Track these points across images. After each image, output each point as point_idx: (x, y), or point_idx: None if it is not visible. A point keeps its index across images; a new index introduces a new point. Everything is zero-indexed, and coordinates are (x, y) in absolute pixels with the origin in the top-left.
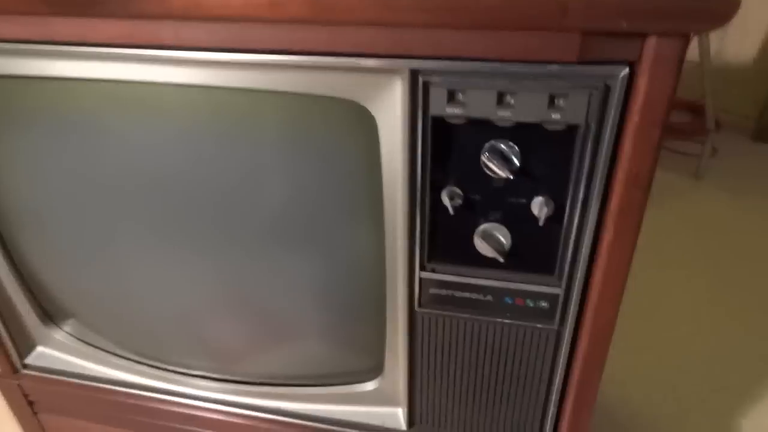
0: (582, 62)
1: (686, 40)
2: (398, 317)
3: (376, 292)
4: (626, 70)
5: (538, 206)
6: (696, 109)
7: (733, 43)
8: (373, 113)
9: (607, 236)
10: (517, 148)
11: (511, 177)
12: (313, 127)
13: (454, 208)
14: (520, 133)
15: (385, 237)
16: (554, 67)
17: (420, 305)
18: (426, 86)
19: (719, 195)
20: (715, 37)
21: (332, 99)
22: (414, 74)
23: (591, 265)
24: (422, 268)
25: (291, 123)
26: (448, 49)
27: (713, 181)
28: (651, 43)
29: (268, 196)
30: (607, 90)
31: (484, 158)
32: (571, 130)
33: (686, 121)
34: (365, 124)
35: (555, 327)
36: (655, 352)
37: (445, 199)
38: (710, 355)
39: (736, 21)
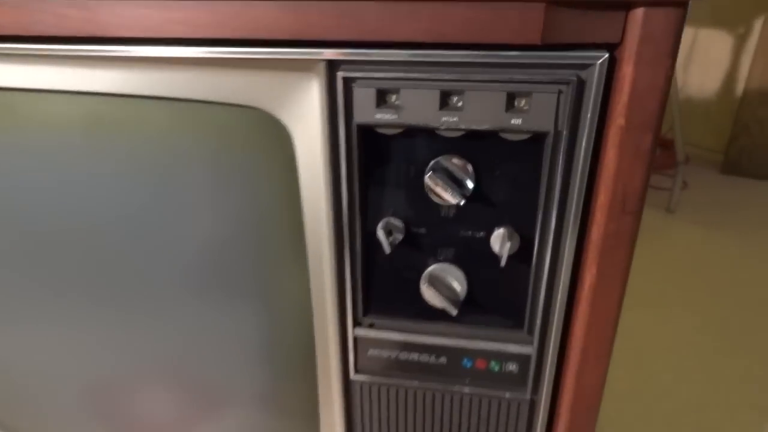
0: (548, 46)
1: (683, 11)
2: (332, 385)
3: (304, 354)
4: (605, 57)
5: (500, 241)
6: (664, 143)
7: (696, 76)
8: (286, 124)
9: (589, 277)
10: (469, 165)
11: (464, 203)
12: (210, 145)
13: (393, 245)
14: (472, 145)
15: (311, 284)
16: (512, 54)
17: (356, 371)
18: (348, 85)
19: (693, 229)
20: (678, 71)
21: (231, 107)
22: (331, 69)
23: (569, 315)
24: (356, 323)
25: (181, 141)
26: (371, 30)
27: (686, 215)
28: (637, 16)
29: (166, 237)
30: (581, 85)
31: (428, 180)
32: (538, 139)
33: (655, 155)
34: (277, 139)
35: (527, 396)
36: (642, 401)
37: (381, 235)
38: (698, 403)
39: (698, 55)
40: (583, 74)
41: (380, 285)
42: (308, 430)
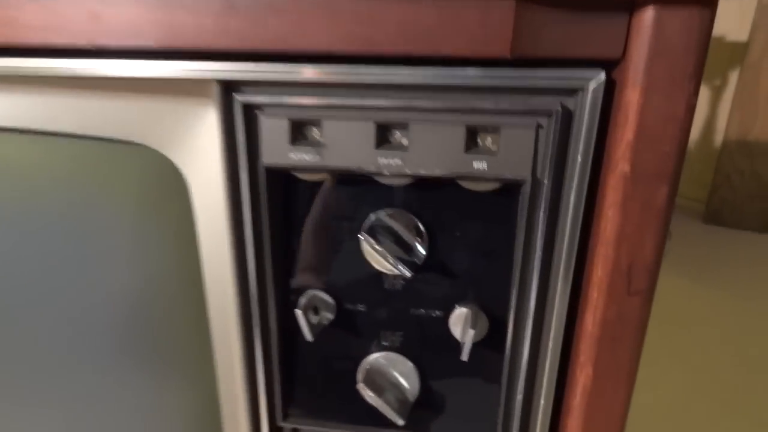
0: (521, 62)
1: (710, 13)
2: None
3: None
4: (601, 78)
5: (461, 323)
6: None
7: None
8: (179, 165)
9: (583, 379)
10: (419, 224)
11: (411, 274)
12: (83, 192)
13: (319, 328)
14: (422, 196)
15: (217, 374)
16: (472, 73)
17: None
18: (250, 114)
19: (680, 282)
20: None
21: (108, 143)
22: (227, 92)
23: (556, 428)
24: (274, 428)
25: (49, 186)
26: (273, 36)
27: (672, 267)
28: (646, 21)
29: (42, 305)
30: (567, 117)
31: (364, 243)
32: (510, 190)
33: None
34: (169, 185)
35: None
36: None
37: (301, 316)
38: None
39: None
40: (571, 102)
41: (305, 379)
42: None
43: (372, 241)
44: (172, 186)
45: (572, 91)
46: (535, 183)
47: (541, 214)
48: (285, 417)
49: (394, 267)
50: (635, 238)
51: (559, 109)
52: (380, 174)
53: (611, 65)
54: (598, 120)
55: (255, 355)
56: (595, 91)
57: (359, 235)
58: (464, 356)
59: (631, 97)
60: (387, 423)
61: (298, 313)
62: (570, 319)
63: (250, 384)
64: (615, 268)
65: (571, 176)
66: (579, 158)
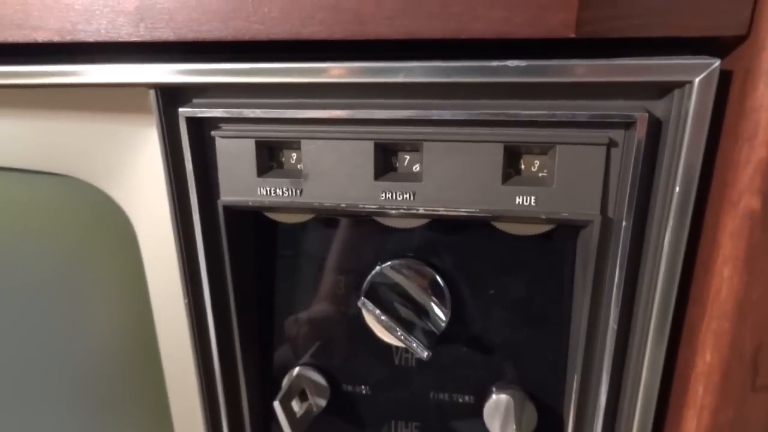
0: (588, 44)
1: None
2: None
3: None
4: (714, 67)
5: (501, 416)
6: None
7: None
8: (122, 205)
9: None
10: (439, 280)
11: (428, 353)
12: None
13: (306, 420)
14: (441, 241)
15: None
16: (512, 64)
17: None
18: (200, 134)
19: None
20: None
21: (34, 175)
22: (167, 103)
23: None
24: None
25: None
26: (239, 28)
27: None
28: None
29: None
30: (655, 129)
31: (364, 309)
32: (567, 234)
33: None
34: (112, 229)
35: None
36: None
37: (279, 411)
38: None
39: None
40: (661, 107)
41: None
42: None
43: (373, 307)
44: (113, 229)
45: (665, 89)
46: (606, 224)
47: (617, 269)
48: None
49: (405, 342)
50: (766, 308)
51: (645, 115)
52: (383, 215)
53: (726, 49)
54: (708, 131)
55: None
56: (703, 86)
57: (359, 301)
58: None
59: (764, 97)
60: None
61: (277, 405)
62: (658, 420)
63: None
64: (733, 351)
65: (663, 215)
66: (677, 188)
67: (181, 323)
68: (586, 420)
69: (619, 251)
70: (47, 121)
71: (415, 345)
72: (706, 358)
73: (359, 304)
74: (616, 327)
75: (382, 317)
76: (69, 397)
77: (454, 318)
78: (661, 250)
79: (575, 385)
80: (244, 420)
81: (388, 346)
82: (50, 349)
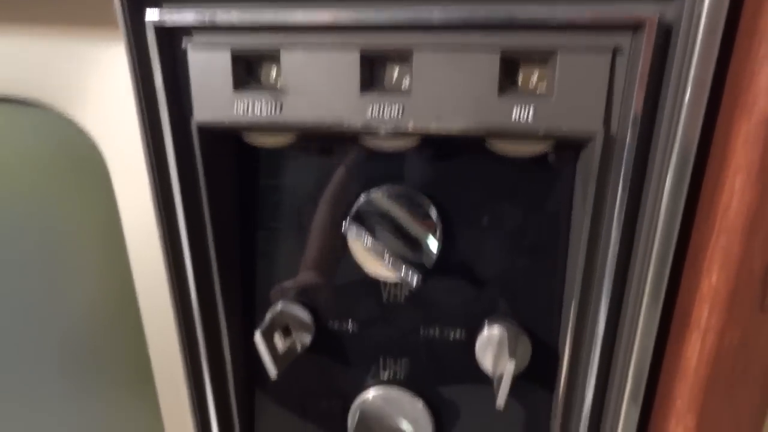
0: None
1: None
2: None
3: None
4: None
5: (493, 349)
6: None
7: None
8: (89, 130)
9: None
10: (430, 207)
11: (419, 280)
12: None
13: (288, 356)
14: (433, 167)
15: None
16: None
17: None
18: (170, 44)
19: None
20: None
21: (12, 110)
22: (133, 12)
23: None
24: None
25: None
26: None
27: None
28: None
29: None
30: (665, 34)
31: (351, 236)
32: (564, 153)
33: None
34: (84, 161)
35: None
36: None
37: (261, 344)
38: None
39: None
40: (672, 8)
41: (274, 426)
42: None
43: (362, 233)
44: (81, 161)
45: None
46: (609, 140)
47: (619, 189)
48: None
49: (395, 271)
50: None
51: (655, 18)
52: (371, 133)
53: None
54: (722, 34)
55: (206, 398)
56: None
57: (344, 227)
58: (499, 401)
59: None
60: None
61: (258, 338)
62: (659, 346)
63: (199, 417)
64: (742, 269)
65: (671, 126)
66: (687, 95)
67: (158, 258)
68: (582, 351)
69: (623, 169)
70: (5, 38)
71: (402, 273)
72: (712, 278)
73: (344, 230)
74: (616, 252)
75: (370, 244)
76: (46, 352)
77: (446, 249)
78: (666, 167)
79: (572, 314)
80: (225, 359)
81: (376, 281)
82: (24, 300)
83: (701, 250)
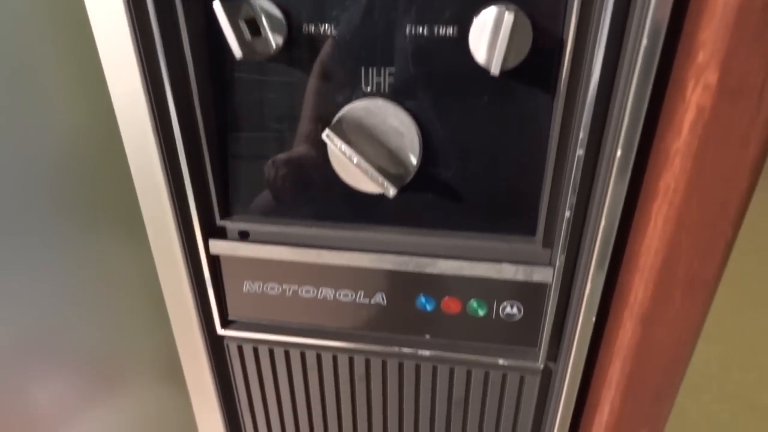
0: None
1: None
2: (195, 343)
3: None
4: None
5: (489, 30)
6: None
7: None
8: None
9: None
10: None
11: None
12: None
13: (255, 51)
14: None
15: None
16: None
17: (225, 323)
18: None
19: None
20: None
21: None
22: None
23: (630, 208)
24: (212, 231)
25: None
26: None
27: None
28: None
29: None
30: None
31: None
32: None
33: None
34: None
35: (539, 363)
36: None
37: (221, 12)
38: None
39: None
40: None
41: (245, 149)
42: (172, 395)
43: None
44: None
45: None
46: None
47: None
48: (226, 214)
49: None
50: None
51: None
52: None
53: None
54: None
55: (170, 121)
56: None
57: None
58: (494, 69)
59: None
60: (374, 206)
61: (217, 5)
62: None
63: (168, 163)
64: None
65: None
66: None
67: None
68: (587, 40)
69: None
70: None
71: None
72: None
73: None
74: None
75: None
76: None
77: None
78: None
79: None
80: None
81: None
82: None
83: None
